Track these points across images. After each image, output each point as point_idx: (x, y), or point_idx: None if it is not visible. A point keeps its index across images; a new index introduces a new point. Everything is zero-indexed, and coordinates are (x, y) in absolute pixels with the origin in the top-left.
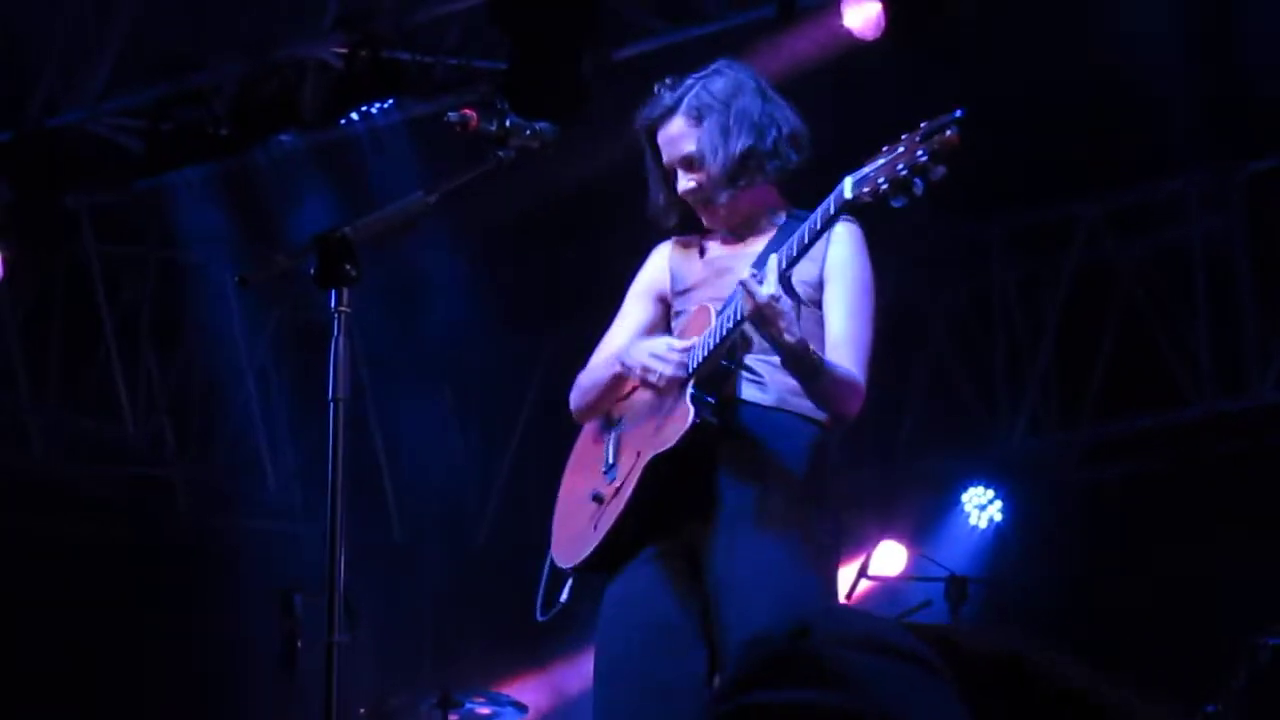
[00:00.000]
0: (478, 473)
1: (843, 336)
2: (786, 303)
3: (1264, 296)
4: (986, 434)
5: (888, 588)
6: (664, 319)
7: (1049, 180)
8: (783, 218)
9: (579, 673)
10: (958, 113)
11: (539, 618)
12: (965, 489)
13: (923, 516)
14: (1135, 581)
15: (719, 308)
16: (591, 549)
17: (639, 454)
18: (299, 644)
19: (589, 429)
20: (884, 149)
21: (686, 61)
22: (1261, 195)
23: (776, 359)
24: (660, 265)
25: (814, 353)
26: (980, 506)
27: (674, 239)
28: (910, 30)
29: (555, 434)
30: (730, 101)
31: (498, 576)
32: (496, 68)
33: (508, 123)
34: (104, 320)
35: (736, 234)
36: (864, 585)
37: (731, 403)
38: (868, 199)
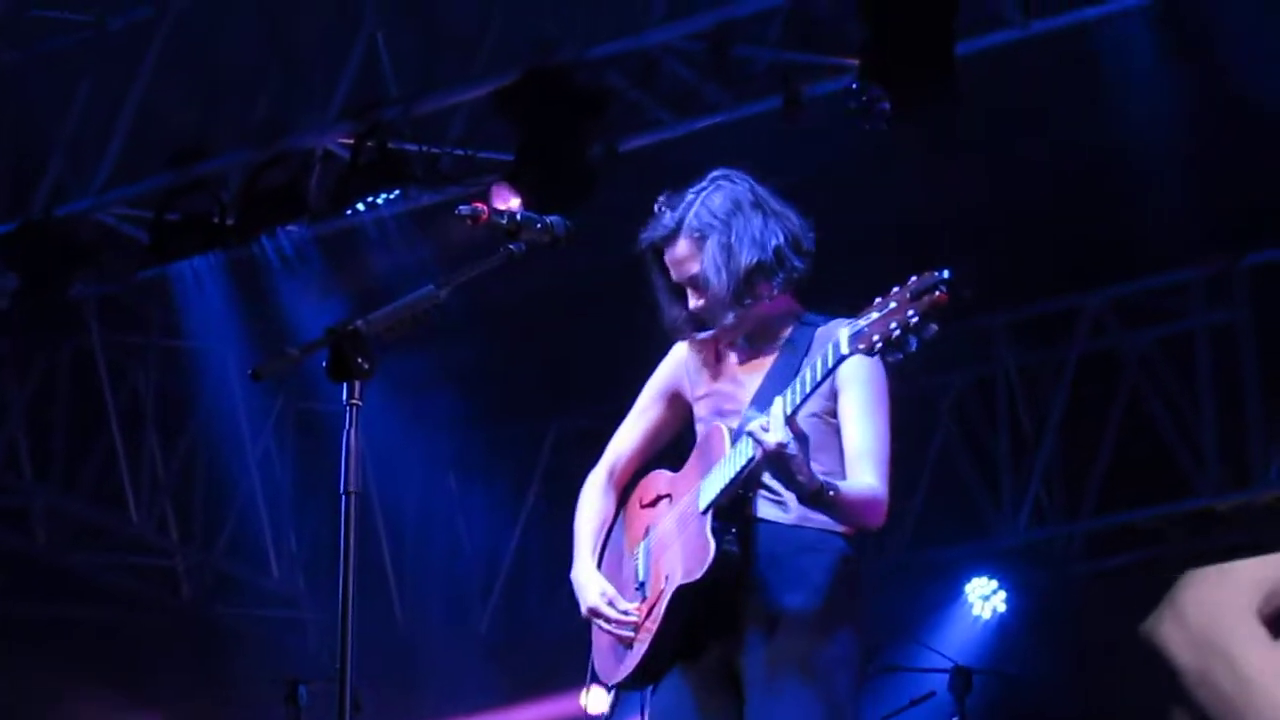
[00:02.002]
0: (482, 560)
1: (862, 448)
2: (795, 446)
3: (1268, 389)
4: (990, 524)
5: (892, 679)
6: (677, 417)
7: (1054, 271)
8: (792, 328)
9: None
10: (945, 273)
11: None
12: (969, 579)
13: (926, 607)
14: (1140, 673)
15: (735, 425)
16: (630, 671)
17: (667, 578)
18: None
19: (623, 535)
20: (877, 302)
21: (693, 153)
22: (1265, 288)
23: None
24: (678, 365)
25: (827, 487)
26: (984, 597)
27: (693, 337)
28: (914, 122)
29: (559, 521)
30: (730, 220)
31: (502, 664)
32: (502, 159)
33: (519, 216)
34: (108, 408)
35: (751, 342)
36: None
37: (751, 523)
38: (864, 354)
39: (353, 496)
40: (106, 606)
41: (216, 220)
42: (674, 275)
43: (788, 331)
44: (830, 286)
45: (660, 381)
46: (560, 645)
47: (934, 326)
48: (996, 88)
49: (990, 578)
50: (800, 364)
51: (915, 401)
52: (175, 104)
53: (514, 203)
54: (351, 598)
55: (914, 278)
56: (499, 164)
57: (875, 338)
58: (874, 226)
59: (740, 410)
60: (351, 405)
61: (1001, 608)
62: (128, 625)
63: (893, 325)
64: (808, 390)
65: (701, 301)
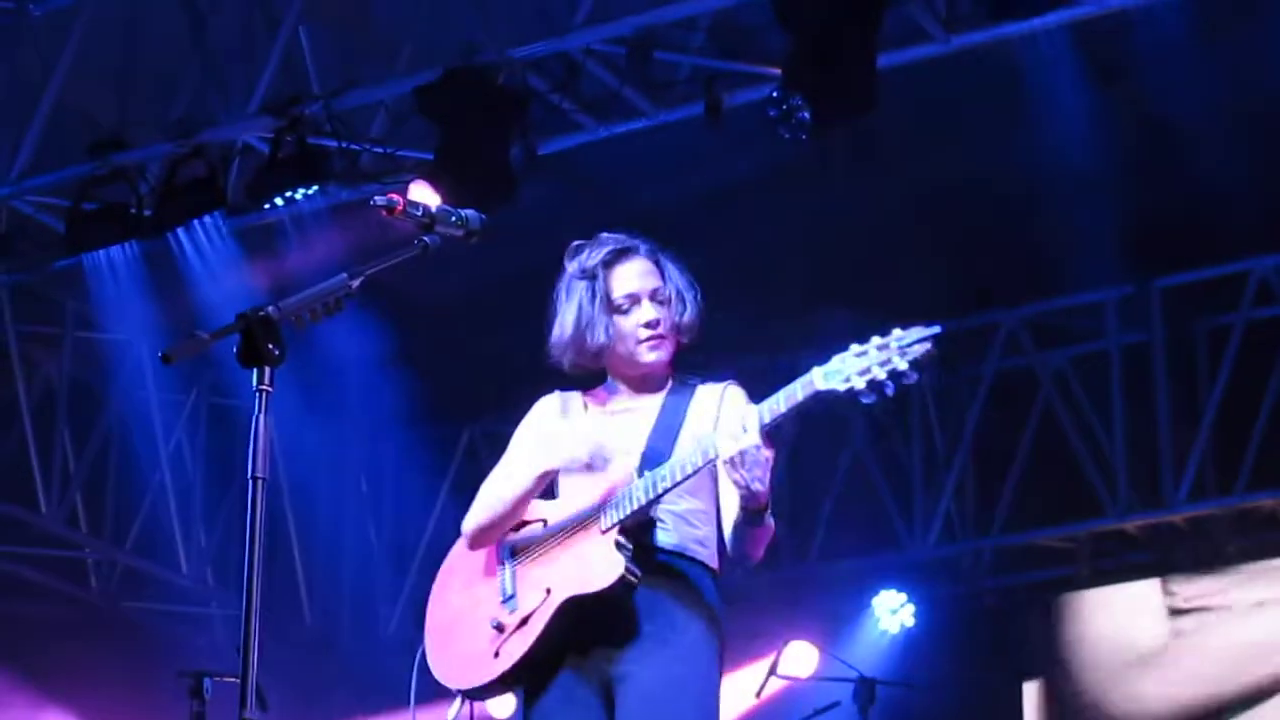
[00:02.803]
0: (392, 558)
1: None
2: (766, 455)
3: (1179, 410)
4: (901, 538)
5: (797, 689)
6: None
7: (969, 288)
8: (670, 384)
9: None
10: (937, 327)
11: None
12: (877, 592)
13: (834, 618)
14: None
15: (634, 464)
16: (495, 676)
17: (549, 591)
18: None
19: (473, 555)
20: (854, 347)
21: (613, 157)
22: (1178, 309)
23: (680, 508)
24: (551, 419)
25: (770, 506)
26: (892, 610)
27: (558, 393)
28: (833, 134)
29: None
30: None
31: (411, 662)
32: (422, 157)
33: (434, 209)
34: (20, 399)
35: (632, 395)
36: (773, 685)
37: (645, 546)
38: (839, 393)
39: (260, 482)
40: (14, 599)
41: (133, 211)
42: (630, 288)
43: (667, 386)
44: (744, 299)
45: (531, 438)
46: None
47: (915, 375)
48: (916, 102)
49: (899, 591)
50: (684, 416)
51: (830, 414)
52: (95, 93)
53: (433, 201)
54: (258, 586)
55: (899, 329)
56: (419, 162)
57: (858, 378)
58: (788, 239)
59: (609, 457)
60: (261, 391)
61: (910, 621)
62: (35, 618)
63: (880, 367)
64: (781, 410)
65: (658, 315)
